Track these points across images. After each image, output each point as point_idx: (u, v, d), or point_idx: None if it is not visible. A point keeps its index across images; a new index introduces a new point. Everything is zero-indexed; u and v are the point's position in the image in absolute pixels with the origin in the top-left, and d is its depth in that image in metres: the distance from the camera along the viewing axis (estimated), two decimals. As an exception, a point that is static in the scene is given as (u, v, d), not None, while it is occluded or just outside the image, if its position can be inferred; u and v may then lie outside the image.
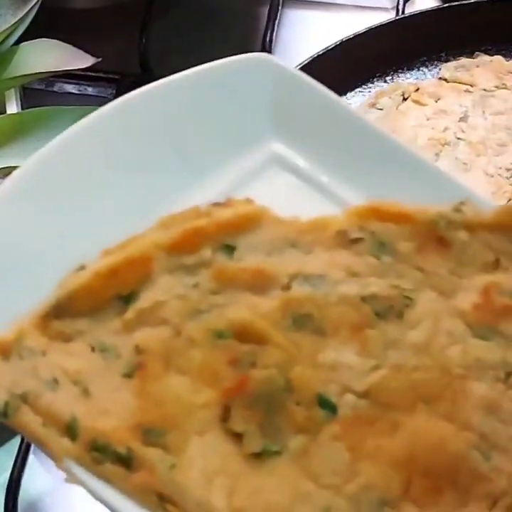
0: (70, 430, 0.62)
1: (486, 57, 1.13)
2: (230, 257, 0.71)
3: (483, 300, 0.69)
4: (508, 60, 1.12)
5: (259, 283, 0.70)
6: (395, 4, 1.26)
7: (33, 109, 0.94)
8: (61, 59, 0.96)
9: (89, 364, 0.65)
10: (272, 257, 0.71)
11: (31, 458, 0.94)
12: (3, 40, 0.95)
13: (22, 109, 0.95)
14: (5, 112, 0.97)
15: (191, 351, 0.67)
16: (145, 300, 0.68)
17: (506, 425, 0.64)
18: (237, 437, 0.64)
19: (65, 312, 0.67)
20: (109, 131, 0.75)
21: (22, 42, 1.00)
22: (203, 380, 0.66)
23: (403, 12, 1.23)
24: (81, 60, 0.96)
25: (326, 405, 0.65)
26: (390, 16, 1.24)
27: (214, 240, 0.70)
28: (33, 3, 0.95)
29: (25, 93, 1.01)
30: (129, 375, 0.65)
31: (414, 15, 1.15)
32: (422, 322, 0.69)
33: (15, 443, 0.94)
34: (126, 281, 0.68)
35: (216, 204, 0.72)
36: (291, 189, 0.78)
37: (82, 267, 0.68)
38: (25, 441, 0.93)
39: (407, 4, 1.25)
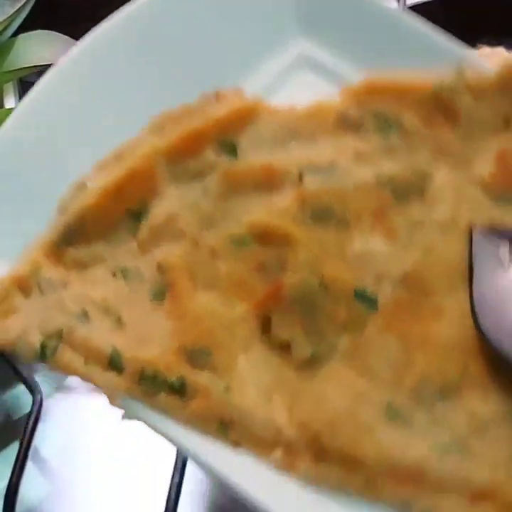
0: (114, 364, 0.58)
1: (488, 49, 1.07)
2: (233, 156, 0.65)
3: (499, 167, 0.66)
4: (509, 52, 1.06)
5: (270, 180, 0.65)
6: None
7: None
8: (59, 51, 0.91)
9: (115, 291, 0.60)
10: (276, 151, 0.66)
11: (29, 464, 0.89)
12: (1, 32, 0.93)
13: (20, 102, 0.90)
14: (3, 105, 0.95)
15: (215, 263, 0.62)
16: (156, 215, 0.62)
17: None
18: (283, 349, 0.60)
19: (76, 237, 0.61)
20: (128, 37, 0.68)
21: (20, 34, 0.98)
22: (234, 293, 0.61)
23: (404, 3, 1.18)
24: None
25: (365, 298, 0.62)
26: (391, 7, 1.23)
27: (214, 139, 0.65)
28: None
29: (23, 86, 0.98)
30: (158, 297, 0.60)
31: (414, 6, 1.13)
32: (444, 198, 0.66)
33: (13, 449, 0.90)
34: (134, 196, 0.62)
35: (206, 97, 0.66)
36: (319, 89, 0.71)
37: (83, 185, 0.61)
38: (23, 447, 0.89)
39: None
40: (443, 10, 1.11)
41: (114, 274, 0.61)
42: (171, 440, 0.57)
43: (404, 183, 0.66)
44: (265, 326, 0.61)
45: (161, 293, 0.60)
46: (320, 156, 0.66)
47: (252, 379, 0.59)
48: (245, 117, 0.66)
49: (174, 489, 0.81)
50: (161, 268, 0.61)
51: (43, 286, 0.59)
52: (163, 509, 0.80)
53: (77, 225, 0.61)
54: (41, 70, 0.83)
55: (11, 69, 0.94)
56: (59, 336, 0.58)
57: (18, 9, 0.93)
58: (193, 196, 0.64)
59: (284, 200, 0.64)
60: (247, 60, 0.70)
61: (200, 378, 0.58)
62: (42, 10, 0.99)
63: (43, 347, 0.57)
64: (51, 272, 0.60)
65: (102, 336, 0.58)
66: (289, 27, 0.71)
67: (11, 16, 0.93)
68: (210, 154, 0.64)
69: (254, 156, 0.65)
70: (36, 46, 0.96)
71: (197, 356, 0.58)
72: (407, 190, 0.65)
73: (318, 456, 0.58)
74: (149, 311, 0.60)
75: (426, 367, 0.60)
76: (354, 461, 0.57)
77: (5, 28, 0.94)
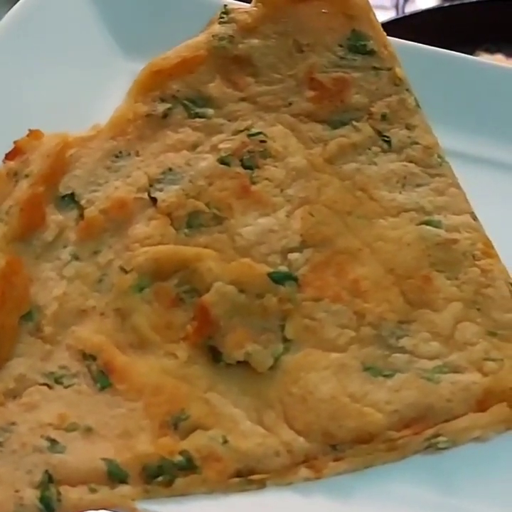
0: (115, 475, 0.52)
1: (487, 56, 1.06)
2: (74, 205, 0.60)
3: (314, 88, 0.65)
4: (508, 59, 1.07)
5: (126, 213, 0.59)
6: (395, 3, 1.22)
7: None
8: None
9: (65, 402, 0.54)
10: (110, 179, 0.61)
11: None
12: None
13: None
14: None
15: (131, 322, 0.56)
16: (48, 305, 0.56)
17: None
18: (240, 365, 0.56)
19: None
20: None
21: None
22: (167, 339, 0.56)
23: (403, 11, 1.20)
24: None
25: (282, 277, 0.58)
26: (390, 14, 1.19)
27: (49, 198, 0.59)
28: None
29: None
30: (104, 384, 0.54)
31: (414, 14, 1.12)
32: (289, 148, 0.63)
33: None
34: (18, 302, 0.55)
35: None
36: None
37: None
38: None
39: (406, 3, 1.21)
40: (442, 17, 1.09)
41: (50, 387, 0.54)
42: None
43: (246, 152, 0.62)
44: (214, 355, 0.56)
45: (103, 379, 0.54)
46: (155, 167, 0.61)
47: (234, 411, 0.54)
48: (62, 159, 0.60)
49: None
50: (86, 354, 0.55)
51: None
52: None
53: None
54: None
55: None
56: (49, 479, 0.51)
57: None
58: (64, 264, 0.58)
59: (150, 231, 0.59)
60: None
61: (198, 443, 0.53)
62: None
63: (45, 500, 0.50)
64: None
65: (86, 454, 0.52)
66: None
67: None
68: (54, 215, 0.58)
69: (93, 194, 0.60)
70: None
71: (180, 424, 0.53)
72: (254, 158, 0.62)
73: (337, 455, 0.54)
74: (108, 404, 0.54)
75: (373, 310, 0.58)
76: (369, 436, 0.55)
77: None
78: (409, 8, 1.23)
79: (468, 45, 1.08)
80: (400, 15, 1.19)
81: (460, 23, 1.09)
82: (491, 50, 1.11)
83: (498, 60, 1.09)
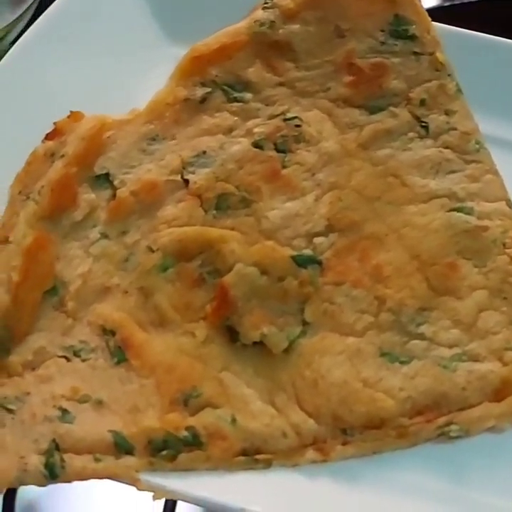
0: (122, 447, 0.53)
1: None
2: (109, 185, 0.61)
3: (352, 73, 0.65)
4: None
5: (154, 194, 0.61)
6: None
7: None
8: None
9: (79, 375, 0.56)
10: (144, 162, 0.62)
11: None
12: (2, 38, 0.87)
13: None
14: None
15: (153, 301, 0.58)
16: (72, 281, 0.58)
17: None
18: (256, 346, 0.57)
19: (8, 344, 0.56)
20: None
21: None
22: (186, 319, 0.57)
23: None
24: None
25: (306, 261, 0.59)
26: None
27: (82, 178, 0.61)
28: (31, 1, 0.87)
29: None
30: (120, 359, 0.56)
31: (453, 5, 1.06)
32: (323, 132, 0.64)
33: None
34: (42, 277, 0.58)
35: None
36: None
37: None
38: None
39: None
40: (443, 17, 1.06)
41: (68, 359, 0.56)
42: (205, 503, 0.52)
43: (280, 136, 0.63)
44: (232, 335, 0.57)
45: (120, 354, 0.56)
46: (189, 149, 0.62)
47: (247, 391, 0.55)
48: (98, 141, 0.61)
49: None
50: (106, 330, 0.56)
51: (8, 407, 0.54)
52: (163, 502, 0.75)
53: (3, 332, 0.56)
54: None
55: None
56: (56, 447, 0.52)
57: (19, 16, 0.88)
58: (91, 243, 0.59)
59: (182, 205, 0.60)
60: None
61: (206, 420, 0.54)
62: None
63: (50, 466, 0.52)
64: (6, 389, 0.55)
65: (94, 425, 0.53)
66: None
67: (11, 22, 0.88)
68: (86, 195, 0.60)
69: (126, 176, 0.61)
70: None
71: (190, 401, 0.54)
72: (287, 142, 0.63)
73: (346, 439, 0.55)
74: (121, 379, 0.55)
75: (394, 296, 0.58)
76: (380, 421, 0.54)
77: (6, 35, 0.88)
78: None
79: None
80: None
81: (460, 22, 1.05)
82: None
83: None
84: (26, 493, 0.77)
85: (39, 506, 0.79)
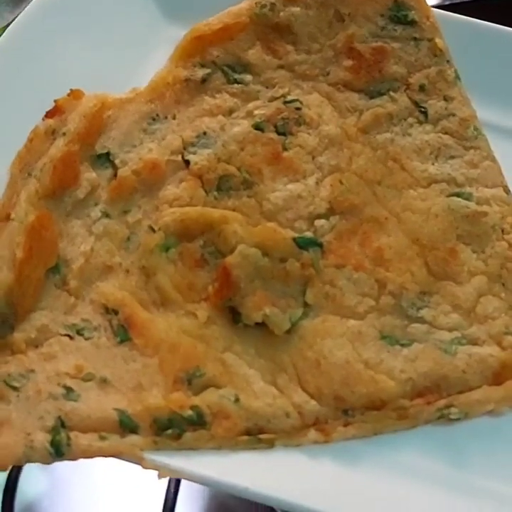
0: (126, 425, 0.53)
1: None
2: (109, 164, 0.61)
3: (353, 57, 0.65)
4: None
5: (158, 175, 0.61)
6: None
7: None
8: None
9: (83, 354, 0.56)
10: (146, 141, 0.62)
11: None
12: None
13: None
14: None
15: (155, 281, 0.58)
16: (75, 260, 0.58)
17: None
18: (258, 326, 0.57)
19: (12, 321, 0.56)
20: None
21: None
22: (188, 299, 0.57)
23: None
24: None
25: (308, 243, 0.59)
26: None
27: (83, 157, 0.60)
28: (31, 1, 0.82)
29: None
30: (123, 338, 0.56)
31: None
32: (323, 115, 0.64)
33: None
34: (45, 255, 0.57)
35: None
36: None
37: None
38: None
39: None
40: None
41: (71, 337, 0.56)
42: (212, 482, 0.52)
43: (281, 119, 0.63)
44: (234, 316, 0.57)
45: (123, 333, 0.56)
46: (189, 131, 0.62)
47: (249, 371, 0.55)
48: (99, 119, 0.61)
49: (173, 483, 0.77)
50: (108, 309, 0.56)
51: (12, 384, 0.53)
52: (162, 502, 0.76)
53: (6, 309, 0.55)
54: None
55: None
56: (61, 424, 0.52)
57: (18, 15, 0.84)
58: (93, 222, 0.59)
59: (183, 185, 0.60)
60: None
61: (210, 399, 0.54)
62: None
63: (56, 444, 0.52)
64: (10, 366, 0.54)
65: (98, 403, 0.53)
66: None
67: (10, 21, 0.82)
68: (87, 174, 0.60)
69: (127, 155, 0.61)
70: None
71: (194, 381, 0.54)
72: (288, 125, 0.63)
73: (347, 420, 0.55)
74: (124, 357, 0.55)
75: (395, 280, 0.59)
76: (380, 403, 0.55)
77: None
78: (454, -1, 1.16)
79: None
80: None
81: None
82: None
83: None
84: (26, 493, 0.79)
85: (39, 506, 0.79)
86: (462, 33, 0.68)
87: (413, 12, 0.65)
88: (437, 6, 1.01)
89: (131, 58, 0.69)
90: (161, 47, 0.67)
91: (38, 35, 0.68)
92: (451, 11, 1.01)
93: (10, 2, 0.86)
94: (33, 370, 0.54)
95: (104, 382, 0.54)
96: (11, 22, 0.82)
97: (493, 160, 0.63)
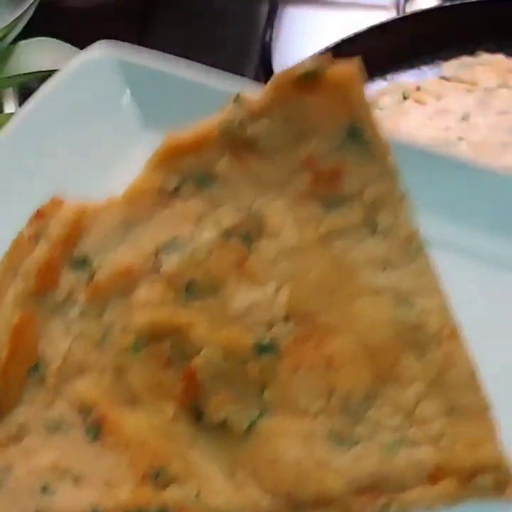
0: None
1: (487, 56, 1.07)
2: (87, 269, 0.65)
3: (312, 172, 0.70)
4: (509, 59, 1.07)
5: (130, 278, 0.66)
6: (396, 3, 1.21)
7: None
8: (59, 58, 0.91)
9: (59, 450, 0.60)
10: (122, 247, 0.67)
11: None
12: (1, 39, 0.91)
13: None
14: (2, 110, 0.92)
15: (127, 379, 0.63)
16: (53, 360, 0.62)
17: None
18: (221, 426, 0.62)
19: None
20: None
21: (20, 40, 0.94)
22: (157, 397, 0.62)
23: (404, 11, 1.18)
24: (79, 60, 0.88)
25: (266, 349, 0.64)
26: (390, 14, 1.19)
27: (64, 261, 0.65)
28: (31, 1, 0.90)
29: (23, 92, 0.95)
30: (96, 435, 0.60)
31: (414, 13, 1.12)
32: (284, 225, 0.69)
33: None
34: (27, 356, 0.62)
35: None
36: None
37: None
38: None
39: (407, 3, 1.20)
40: (443, 17, 1.07)
41: (49, 433, 0.60)
42: None
43: (245, 227, 0.68)
44: (197, 414, 0.62)
45: (96, 431, 0.60)
46: (162, 236, 0.67)
47: (210, 467, 0.60)
48: (79, 227, 0.66)
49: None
50: (83, 407, 0.61)
51: None
52: None
53: None
54: (41, 76, 0.86)
55: (11, 75, 0.93)
56: None
57: (19, 16, 0.92)
58: (71, 322, 0.64)
59: (155, 288, 0.65)
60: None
61: (173, 496, 0.59)
62: (42, 17, 0.98)
63: None
64: None
65: (73, 499, 0.58)
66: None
67: (11, 22, 0.92)
68: (67, 276, 0.64)
69: (103, 260, 0.66)
70: (36, 53, 0.94)
71: (160, 477, 0.59)
72: (252, 233, 0.68)
73: None
74: (97, 454, 0.60)
75: (344, 383, 0.64)
76: (328, 500, 0.61)
77: (5, 35, 0.92)
78: (410, 8, 1.21)
79: (469, 44, 1.09)
80: (401, 14, 1.19)
81: (461, 22, 1.07)
82: (491, 50, 1.09)
83: (498, 59, 1.08)
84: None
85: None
86: (411, 155, 0.75)
87: (367, 132, 0.71)
88: (437, 7, 1.12)
89: (111, 160, 0.74)
90: (140, 150, 0.72)
91: (25, 140, 0.72)
92: (451, 10, 1.07)
93: (9, 3, 0.90)
94: (13, 465, 0.58)
95: (78, 478, 0.59)
96: (11, 23, 0.88)
97: (434, 272, 0.69)
